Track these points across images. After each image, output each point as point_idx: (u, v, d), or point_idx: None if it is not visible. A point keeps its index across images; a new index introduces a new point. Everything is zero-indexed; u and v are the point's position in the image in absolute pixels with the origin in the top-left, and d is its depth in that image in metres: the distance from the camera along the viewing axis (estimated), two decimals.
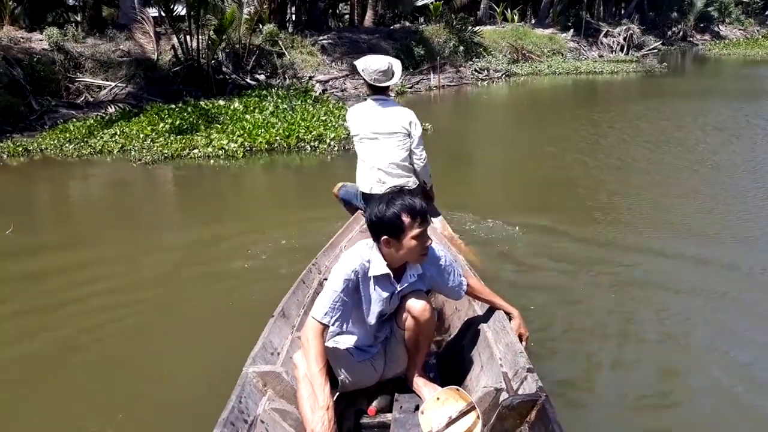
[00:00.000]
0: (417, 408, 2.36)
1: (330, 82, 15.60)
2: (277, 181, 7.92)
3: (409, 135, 3.78)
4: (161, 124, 9.68)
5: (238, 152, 8.24)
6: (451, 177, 6.94)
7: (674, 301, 3.87)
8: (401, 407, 2.42)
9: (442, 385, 2.39)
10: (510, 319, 2.59)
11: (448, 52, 18.21)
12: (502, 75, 18.48)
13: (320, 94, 14.45)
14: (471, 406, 2.15)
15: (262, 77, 14.90)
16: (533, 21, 27.63)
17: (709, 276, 4.26)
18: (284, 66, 15.34)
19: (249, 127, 9.11)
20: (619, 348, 3.36)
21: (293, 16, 24.26)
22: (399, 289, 2.39)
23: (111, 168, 8.33)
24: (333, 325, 2.29)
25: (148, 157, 8.15)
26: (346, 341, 2.47)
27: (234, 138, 8.60)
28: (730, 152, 8.08)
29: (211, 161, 8.19)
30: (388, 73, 3.74)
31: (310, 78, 15.44)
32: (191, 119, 10.04)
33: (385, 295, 2.39)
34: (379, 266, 2.35)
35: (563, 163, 7.71)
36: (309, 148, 8.58)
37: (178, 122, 9.81)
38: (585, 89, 17.23)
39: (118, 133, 9.43)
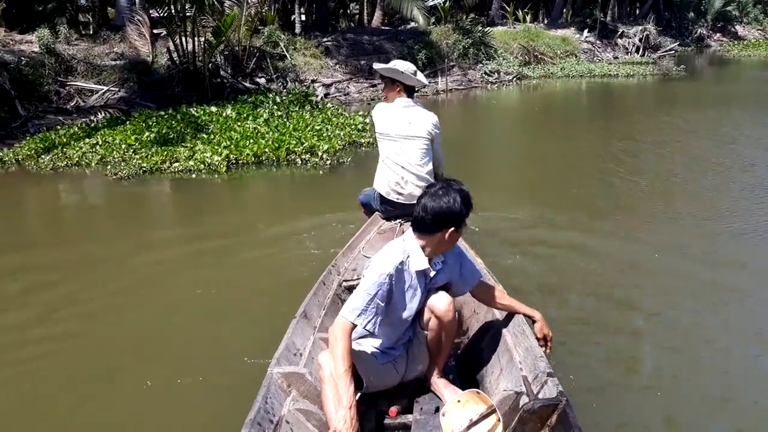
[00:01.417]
0: (437, 410, 2.40)
1: (333, 86, 14.84)
2: (256, 199, 7.08)
3: (432, 140, 3.89)
4: (146, 133, 8.98)
5: (221, 166, 7.49)
6: None
7: None
8: (422, 409, 2.47)
9: (462, 388, 2.42)
10: (533, 323, 2.57)
11: (457, 54, 17.35)
12: (512, 78, 17.59)
13: (322, 98, 13.72)
14: (492, 409, 2.17)
15: (262, 81, 14.17)
16: (546, 21, 26.65)
17: None
18: (286, 69, 14.61)
19: (237, 138, 8.37)
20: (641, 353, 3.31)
21: (302, 16, 23.58)
22: (431, 276, 2.42)
23: (83, 183, 7.64)
24: (365, 327, 2.30)
25: (125, 171, 7.43)
26: (371, 344, 2.50)
27: (219, 150, 7.86)
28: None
29: (193, 175, 7.46)
30: (419, 75, 3.88)
31: (313, 81, 14.70)
32: (179, 128, 9.33)
33: (421, 289, 2.41)
34: (421, 261, 2.38)
35: (584, 188, 6.88)
36: (300, 162, 7.81)
37: (164, 131, 9.10)
38: (599, 94, 16.16)
39: (100, 142, 8.74)
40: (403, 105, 3.87)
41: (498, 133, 11.06)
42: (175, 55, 12.61)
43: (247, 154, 7.78)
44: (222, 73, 13.26)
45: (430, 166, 3.91)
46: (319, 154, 7.78)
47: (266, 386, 2.25)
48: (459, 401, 2.27)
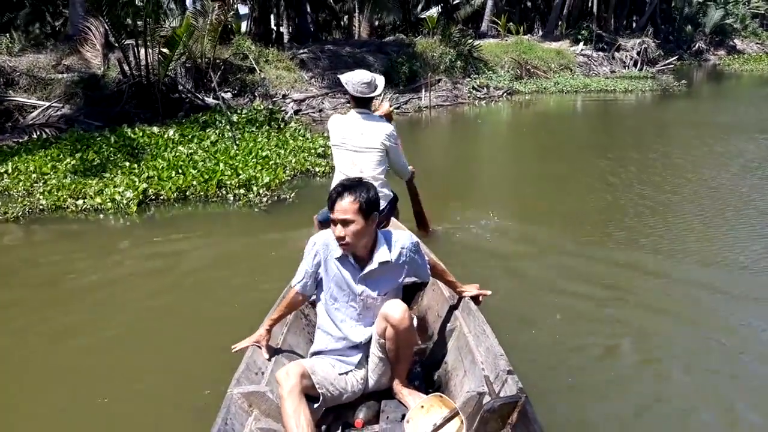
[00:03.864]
0: (403, 417, 2.37)
1: (306, 101, 13.40)
2: (149, 257, 5.10)
3: (387, 151, 3.84)
4: (68, 160, 7.54)
5: (131, 205, 6.02)
6: None
7: None
8: (387, 417, 2.44)
9: (427, 393, 2.43)
10: (476, 301, 2.78)
11: (444, 67, 15.93)
12: (503, 93, 16.14)
13: (292, 115, 12.28)
14: (455, 411, 2.19)
15: (228, 96, 12.75)
16: (540, 34, 25.28)
17: None
18: (255, 83, 13.18)
19: (164, 167, 6.91)
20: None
21: (282, 27, 22.21)
22: (361, 274, 2.45)
23: None
24: (304, 289, 2.55)
25: (18, 210, 5.97)
26: (325, 343, 2.53)
27: (137, 183, 6.40)
28: None
29: (101, 215, 6.01)
30: (372, 86, 3.79)
31: (284, 97, 13.27)
32: (108, 152, 7.89)
33: (348, 274, 2.46)
34: (337, 249, 2.45)
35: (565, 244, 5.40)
36: (232, 198, 6.35)
37: (90, 156, 7.67)
38: (596, 114, 14.45)
39: (9, 170, 7.29)
40: (357, 116, 3.82)
41: (477, 160, 9.31)
42: (127, 67, 11.18)
43: (169, 189, 6.31)
44: (180, 87, 11.81)
45: (384, 177, 3.87)
46: (255, 189, 6.30)
47: (226, 407, 2.21)
48: (423, 407, 2.27)
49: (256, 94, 12.96)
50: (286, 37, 20.94)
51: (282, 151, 7.99)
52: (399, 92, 14.37)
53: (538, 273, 4.41)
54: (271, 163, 7.25)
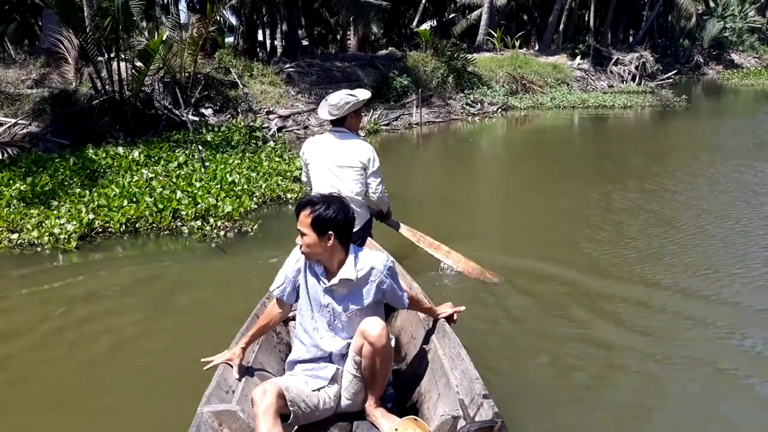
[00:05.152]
0: None
1: (291, 118, 12.70)
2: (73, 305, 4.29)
3: (365, 169, 3.71)
4: (17, 184, 6.81)
5: (71, 240, 5.27)
6: None
7: None
8: None
9: (401, 416, 2.37)
10: (450, 320, 2.73)
11: (436, 82, 15.25)
12: (497, 109, 15.45)
13: (275, 132, 11.59)
14: None
15: (208, 112, 12.06)
16: (537, 48, 24.68)
17: None
18: (238, 99, 12.49)
19: (116, 194, 6.17)
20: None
21: (272, 41, 21.58)
22: (326, 286, 2.44)
23: None
24: (282, 295, 2.51)
25: None
26: (299, 351, 2.51)
27: (82, 214, 5.65)
28: None
29: (38, 249, 5.26)
30: (339, 106, 3.63)
31: (268, 113, 12.57)
32: (65, 176, 7.17)
33: (317, 284, 2.46)
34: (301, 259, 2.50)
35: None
36: (187, 231, 5.60)
37: (43, 181, 6.93)
38: (594, 133, 13.60)
39: None
40: (331, 136, 3.75)
41: (460, 187, 8.06)
42: (99, 83, 10.48)
43: (117, 221, 5.57)
44: (156, 103, 11.11)
45: (361, 197, 3.75)
46: (211, 221, 5.55)
47: (195, 426, 2.13)
48: (396, 429, 2.20)
49: (238, 110, 12.26)
50: (279, 51, 20.36)
51: (254, 175, 7.26)
52: (389, 108, 13.68)
53: (518, 300, 4.15)
54: (237, 189, 6.51)
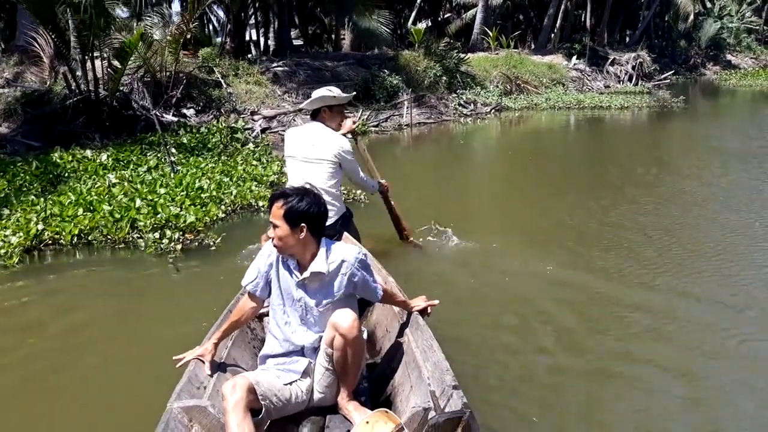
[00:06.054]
0: None
1: (277, 118, 12.20)
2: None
3: (340, 165, 3.76)
4: None
5: (14, 254, 4.77)
6: None
7: None
8: None
9: (374, 409, 2.33)
10: (424, 313, 2.72)
11: (428, 82, 14.75)
12: (491, 110, 14.96)
13: (259, 133, 11.10)
14: (399, 427, 2.12)
15: (190, 112, 11.56)
16: (533, 47, 24.19)
17: None
18: (221, 99, 11.98)
19: (71, 202, 5.67)
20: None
21: (272, 40, 21.04)
22: (298, 280, 2.41)
23: None
24: (254, 289, 2.47)
25: None
26: (272, 345, 2.48)
27: (31, 225, 5.15)
28: None
29: None
30: (311, 99, 3.79)
31: (253, 113, 12.07)
32: (24, 181, 6.67)
33: (289, 278, 2.43)
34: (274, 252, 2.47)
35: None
36: (143, 244, 5.10)
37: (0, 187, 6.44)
38: (590, 135, 13.00)
39: None
40: (309, 127, 3.81)
41: (450, 190, 7.61)
42: (72, 82, 9.96)
43: (68, 232, 5.07)
44: (134, 103, 10.60)
45: (336, 190, 3.78)
46: (170, 234, 5.05)
47: (164, 422, 2.06)
48: (368, 422, 2.19)
49: (222, 110, 11.76)
50: (271, 50, 19.84)
51: (226, 179, 6.77)
52: (379, 108, 13.18)
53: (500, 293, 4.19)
54: (204, 196, 6.01)
